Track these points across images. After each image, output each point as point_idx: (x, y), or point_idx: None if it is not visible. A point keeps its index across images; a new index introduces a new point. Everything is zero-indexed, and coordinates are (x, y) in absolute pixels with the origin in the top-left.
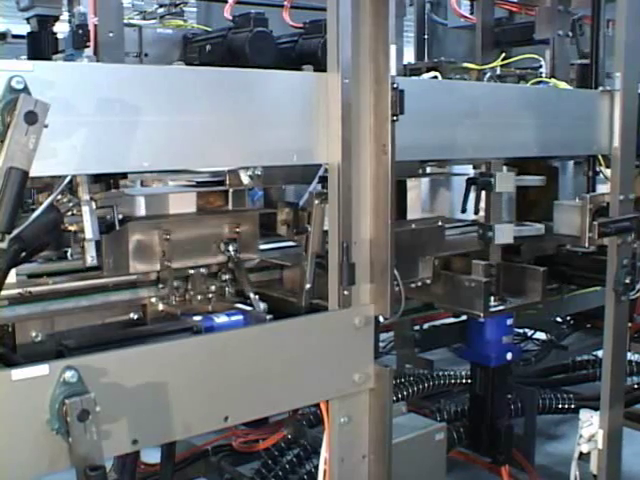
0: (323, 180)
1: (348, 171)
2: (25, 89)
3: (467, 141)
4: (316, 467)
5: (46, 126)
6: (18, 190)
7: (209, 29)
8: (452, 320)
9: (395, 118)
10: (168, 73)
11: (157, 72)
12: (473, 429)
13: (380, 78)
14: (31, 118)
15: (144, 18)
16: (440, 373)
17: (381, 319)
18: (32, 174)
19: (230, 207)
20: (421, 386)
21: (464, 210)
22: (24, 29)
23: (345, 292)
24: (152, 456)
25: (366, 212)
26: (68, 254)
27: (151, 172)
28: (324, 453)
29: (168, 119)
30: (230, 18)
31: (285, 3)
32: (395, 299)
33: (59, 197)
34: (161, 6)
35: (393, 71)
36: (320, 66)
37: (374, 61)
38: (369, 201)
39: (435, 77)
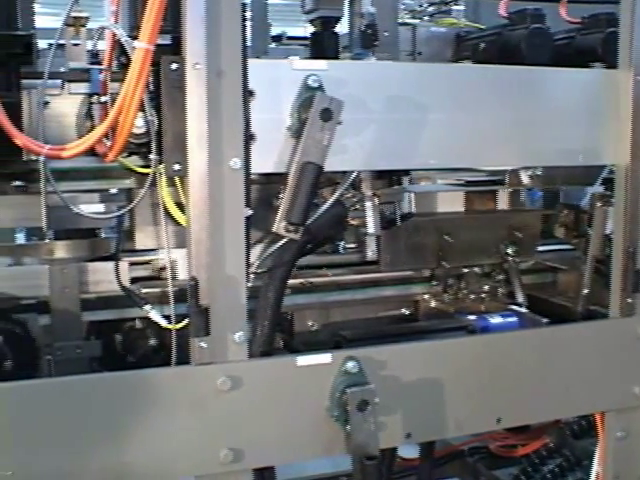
0: (605, 182)
1: (637, 173)
2: (320, 87)
3: None
4: None
5: (340, 123)
6: (312, 184)
7: (481, 27)
8: None
9: None
10: (454, 71)
11: (443, 70)
12: None
13: None
14: (326, 115)
15: (414, 17)
16: None
17: None
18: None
19: (507, 207)
20: None
21: None
22: (297, 31)
23: (629, 300)
24: (407, 451)
25: None
26: (340, 247)
27: (434, 170)
28: (596, 467)
29: (453, 117)
30: (505, 15)
31: None
32: None
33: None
34: (431, 5)
35: None
36: (599, 63)
37: None
38: None
39: None
